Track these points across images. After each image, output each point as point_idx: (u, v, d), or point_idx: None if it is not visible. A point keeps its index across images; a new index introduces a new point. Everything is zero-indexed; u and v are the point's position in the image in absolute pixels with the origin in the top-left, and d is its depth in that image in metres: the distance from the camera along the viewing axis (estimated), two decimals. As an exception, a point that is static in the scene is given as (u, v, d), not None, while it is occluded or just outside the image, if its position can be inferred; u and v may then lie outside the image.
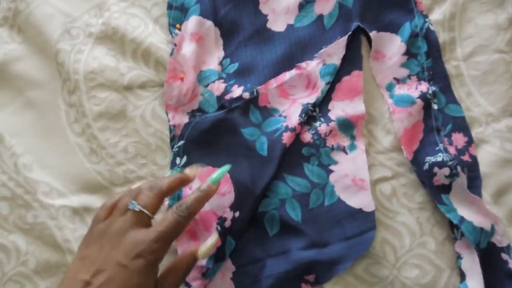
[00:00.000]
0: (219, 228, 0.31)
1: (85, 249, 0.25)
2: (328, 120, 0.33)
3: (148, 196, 0.26)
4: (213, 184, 0.27)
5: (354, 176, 0.32)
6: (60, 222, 0.32)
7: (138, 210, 0.25)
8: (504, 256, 0.30)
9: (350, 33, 0.34)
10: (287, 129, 0.32)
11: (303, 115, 0.33)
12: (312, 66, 0.34)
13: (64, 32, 0.35)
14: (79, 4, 0.36)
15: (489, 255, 0.30)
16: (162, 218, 0.25)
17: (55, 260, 0.32)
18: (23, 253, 0.32)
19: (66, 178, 0.33)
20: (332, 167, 0.32)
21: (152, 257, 0.24)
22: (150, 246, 0.24)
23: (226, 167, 0.28)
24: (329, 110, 0.34)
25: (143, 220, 0.25)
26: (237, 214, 0.31)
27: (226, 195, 0.32)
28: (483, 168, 0.32)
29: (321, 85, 0.33)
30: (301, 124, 0.33)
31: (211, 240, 0.28)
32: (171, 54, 0.35)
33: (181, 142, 0.33)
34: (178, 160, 0.33)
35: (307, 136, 0.33)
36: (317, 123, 0.33)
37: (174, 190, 0.27)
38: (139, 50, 0.35)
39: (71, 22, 0.36)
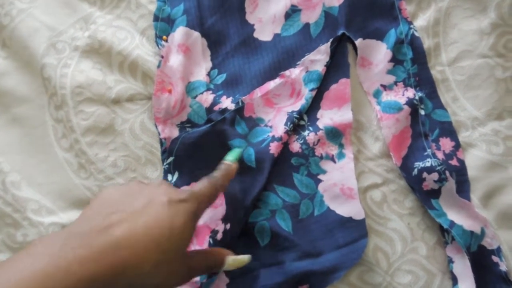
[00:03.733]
0: (211, 241, 0.31)
1: (109, 193, 0.21)
2: (317, 129, 0.33)
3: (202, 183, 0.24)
4: (232, 163, 0.26)
5: (342, 185, 0.32)
6: (50, 240, 0.32)
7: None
8: (495, 258, 0.30)
9: (331, 39, 0.34)
10: (273, 139, 0.32)
11: (289, 123, 0.33)
12: (296, 74, 0.34)
13: (50, 46, 0.35)
14: (64, 17, 0.36)
15: (480, 258, 0.30)
16: (197, 184, 0.24)
17: (45, 278, 0.31)
18: (13, 272, 0.31)
19: (55, 195, 0.33)
20: (320, 177, 0.32)
21: (195, 205, 0.22)
22: (193, 195, 0.22)
23: (239, 149, 0.28)
24: (317, 119, 0.34)
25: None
26: (228, 226, 0.31)
27: (218, 208, 0.32)
28: (471, 172, 0.32)
29: (305, 92, 0.34)
30: (288, 133, 0.33)
31: (245, 257, 0.25)
32: (158, 66, 0.34)
33: (171, 159, 0.33)
34: (169, 177, 0.33)
35: (296, 146, 0.33)
36: (306, 132, 0.33)
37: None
38: (126, 62, 0.35)
39: (56, 36, 0.36)
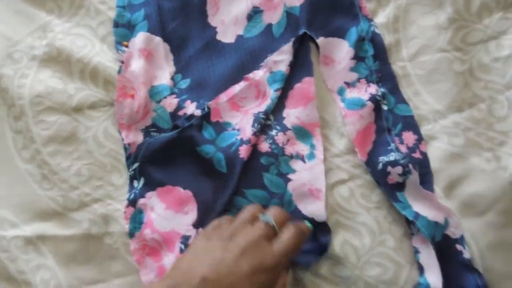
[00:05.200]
0: (182, 246, 0.31)
1: (205, 243, 0.25)
2: (284, 129, 0.34)
3: (280, 214, 0.27)
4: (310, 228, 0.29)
5: (311, 185, 0.32)
6: (13, 254, 0.31)
7: (271, 224, 0.26)
8: (459, 247, 0.31)
9: (293, 39, 0.35)
10: (242, 142, 0.33)
11: (256, 124, 0.33)
12: (260, 75, 0.34)
13: (6, 56, 0.34)
14: (21, 27, 0.35)
15: (444, 247, 0.31)
16: (282, 237, 0.26)
17: (11, 294, 0.31)
18: (-23, 289, 0.31)
19: (18, 207, 0.32)
20: (290, 176, 0.33)
21: (276, 273, 0.24)
22: (278, 260, 0.24)
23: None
24: (283, 118, 0.34)
25: (270, 235, 0.26)
26: (200, 230, 0.31)
27: (188, 214, 0.31)
28: (433, 163, 0.33)
29: (270, 93, 0.34)
30: (255, 134, 0.33)
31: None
32: (119, 71, 0.34)
33: (136, 165, 0.32)
34: (135, 183, 0.33)
35: (265, 146, 0.33)
36: (273, 132, 0.34)
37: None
38: (86, 70, 0.34)
39: (13, 45, 0.35)
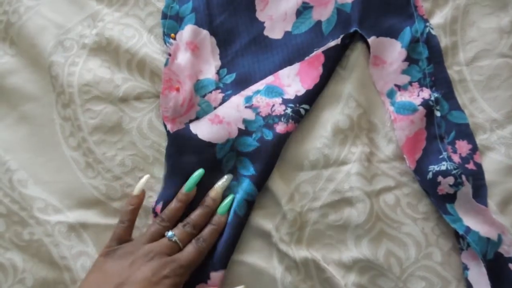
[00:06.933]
0: None
1: (106, 263, 0.27)
2: None
3: (186, 232, 0.29)
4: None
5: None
6: (56, 239, 0.32)
7: (174, 241, 0.28)
8: (512, 266, 0.29)
9: (342, 36, 0.33)
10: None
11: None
12: None
13: (57, 44, 0.35)
14: (72, 15, 0.36)
15: (496, 266, 0.29)
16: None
17: (52, 278, 0.31)
18: (20, 271, 0.31)
19: (62, 194, 0.33)
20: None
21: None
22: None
23: (199, 172, 0.31)
24: None
25: (174, 251, 0.28)
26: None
27: None
28: (488, 176, 0.31)
29: None
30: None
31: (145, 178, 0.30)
32: (166, 64, 0.34)
33: None
34: None
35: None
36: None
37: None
38: (133, 60, 0.34)
39: (64, 33, 0.35)
